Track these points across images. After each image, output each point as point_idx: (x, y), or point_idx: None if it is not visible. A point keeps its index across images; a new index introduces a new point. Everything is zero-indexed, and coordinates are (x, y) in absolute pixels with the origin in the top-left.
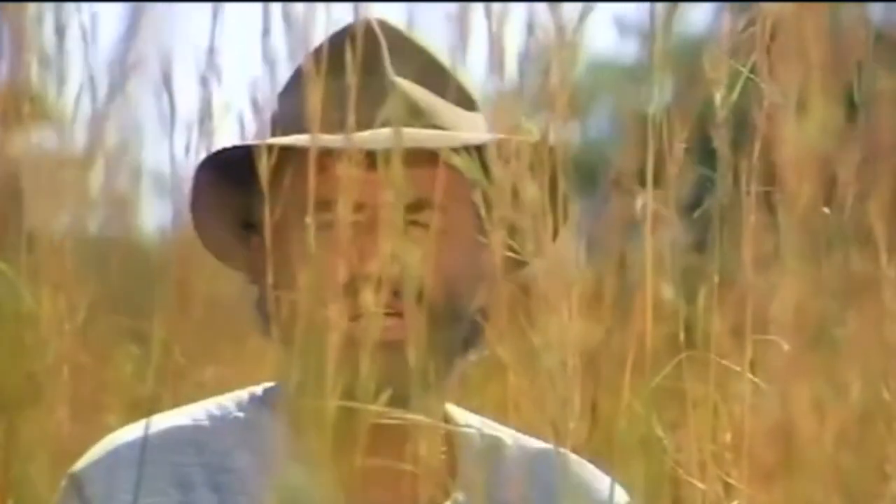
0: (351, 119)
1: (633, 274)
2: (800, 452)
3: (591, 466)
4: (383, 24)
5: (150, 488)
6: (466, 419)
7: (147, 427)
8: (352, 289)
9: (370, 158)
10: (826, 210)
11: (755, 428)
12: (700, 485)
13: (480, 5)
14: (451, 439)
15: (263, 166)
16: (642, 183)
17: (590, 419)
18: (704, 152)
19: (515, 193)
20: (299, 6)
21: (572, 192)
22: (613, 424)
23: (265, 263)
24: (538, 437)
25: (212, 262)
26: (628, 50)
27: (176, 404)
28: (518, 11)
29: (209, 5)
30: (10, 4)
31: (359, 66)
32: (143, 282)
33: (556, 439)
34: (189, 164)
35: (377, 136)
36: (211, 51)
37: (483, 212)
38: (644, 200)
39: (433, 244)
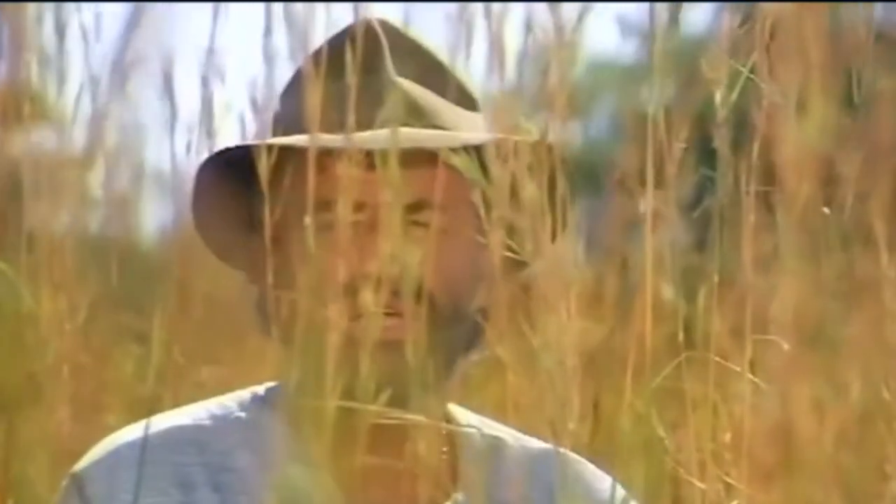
0: (351, 119)
1: (633, 274)
2: (800, 452)
3: (592, 467)
4: (384, 24)
5: (152, 488)
6: (468, 419)
7: (148, 427)
8: (352, 289)
9: (371, 158)
10: (826, 210)
11: (755, 428)
12: (700, 484)
13: (480, 5)
14: (453, 439)
15: (263, 166)
16: (642, 183)
17: (592, 419)
18: (704, 152)
19: (514, 193)
20: (300, 6)
21: (575, 192)
22: (614, 425)
23: (266, 263)
24: (539, 437)
25: (212, 261)
26: (630, 50)
27: (176, 404)
28: (517, 11)
29: (211, 5)
30: (10, 4)
31: (360, 66)
32: (144, 281)
33: (555, 439)
34: (190, 164)
35: (377, 136)
36: (211, 50)
37: (482, 212)
38: (645, 200)
39: (435, 244)
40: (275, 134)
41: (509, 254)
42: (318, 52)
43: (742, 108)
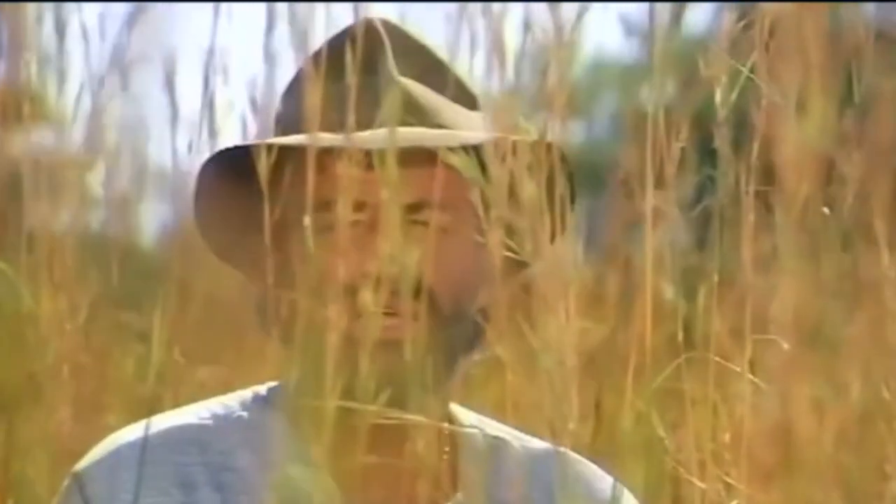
0: (353, 118)
1: (633, 274)
2: (800, 452)
3: (593, 467)
4: (386, 24)
5: (153, 488)
6: (471, 420)
7: (149, 426)
8: (353, 288)
9: (373, 158)
10: (826, 210)
11: (755, 428)
12: (700, 484)
13: (479, 5)
14: (454, 440)
15: (263, 166)
16: (642, 183)
17: (593, 420)
18: (704, 152)
19: (513, 193)
20: (300, 6)
21: (575, 191)
22: (615, 425)
23: (273, 264)
24: (539, 437)
25: (213, 261)
26: (632, 49)
27: (177, 404)
28: (516, 11)
29: (214, 4)
30: (10, 4)
31: (362, 66)
32: (144, 281)
33: (555, 439)
34: (192, 163)
35: (378, 136)
36: (211, 50)
37: (481, 211)
38: (647, 200)
39: (438, 244)
40: (276, 134)
41: (509, 254)
42: (318, 52)
43: (742, 108)
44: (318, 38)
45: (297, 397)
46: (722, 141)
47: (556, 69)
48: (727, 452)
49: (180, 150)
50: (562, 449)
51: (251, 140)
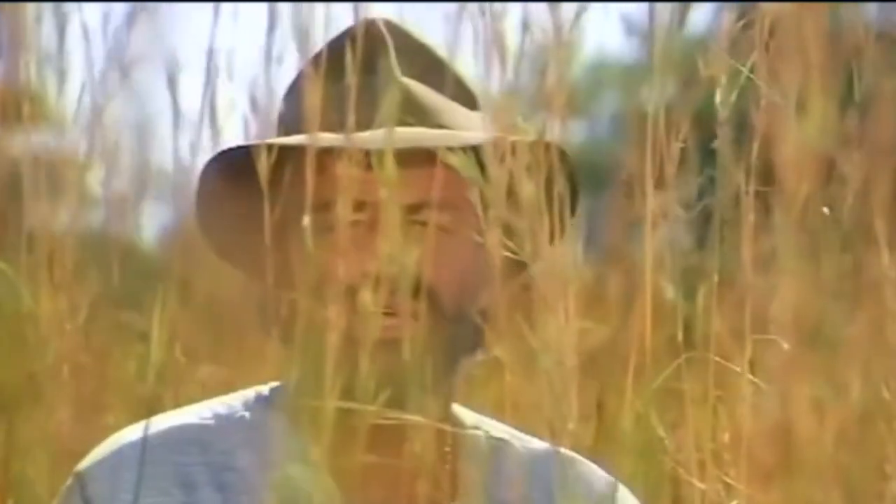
0: (354, 118)
1: (633, 274)
2: (800, 452)
3: (595, 467)
4: (388, 24)
5: (154, 488)
6: (473, 420)
7: (151, 426)
8: (355, 288)
9: (376, 158)
10: (826, 210)
11: (755, 428)
12: (700, 484)
13: (478, 5)
14: (457, 440)
15: (263, 166)
16: (642, 183)
17: (596, 420)
18: (704, 152)
19: (512, 193)
20: (301, 5)
21: (576, 191)
22: (615, 425)
23: (274, 264)
24: (540, 437)
25: (214, 261)
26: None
27: (177, 404)
28: (515, 11)
29: (214, 4)
30: (10, 4)
31: (363, 66)
32: (145, 280)
33: (554, 439)
34: (194, 163)
35: (378, 136)
36: (212, 50)
37: (480, 211)
38: (648, 200)
39: (441, 244)
40: (278, 134)
41: (508, 254)
42: (320, 53)
43: (742, 108)
44: (318, 38)
45: (297, 397)
46: (722, 141)
47: (555, 69)
48: (727, 452)
49: (182, 150)
50: (563, 449)
51: (252, 140)
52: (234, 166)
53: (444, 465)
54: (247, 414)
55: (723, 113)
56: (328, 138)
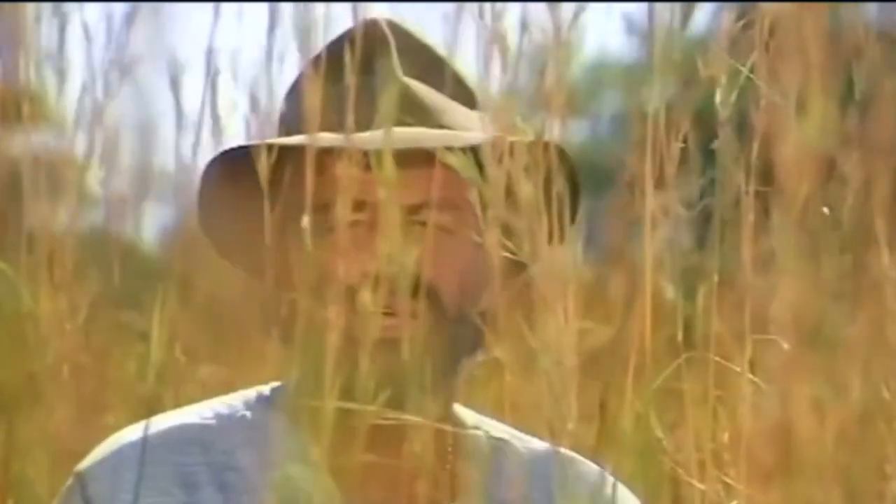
0: (357, 118)
1: (633, 274)
2: (800, 452)
3: (597, 468)
4: (391, 24)
5: (155, 488)
6: (474, 421)
7: (153, 426)
8: (356, 288)
9: (378, 159)
10: (826, 210)
11: (755, 428)
12: (699, 485)
13: (476, 4)
14: (458, 441)
15: (263, 165)
16: (642, 183)
17: (599, 421)
18: (704, 152)
19: (511, 193)
20: (301, 6)
21: (577, 191)
22: (616, 425)
23: (275, 263)
24: (540, 438)
25: (215, 260)
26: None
27: (178, 404)
28: (513, 11)
29: (214, 4)
30: (10, 4)
31: (366, 66)
32: (145, 280)
33: (553, 439)
34: (195, 164)
35: (377, 136)
36: (212, 50)
37: (479, 212)
38: (648, 200)
39: (443, 244)
40: (280, 134)
41: (507, 254)
42: (325, 52)
43: (742, 108)
44: (318, 38)
45: (297, 397)
46: (722, 141)
47: (554, 69)
48: (727, 453)
49: (183, 151)
50: (563, 450)
51: (252, 140)
52: (236, 166)
53: (445, 465)
54: (248, 414)
55: (723, 113)
56: (328, 138)
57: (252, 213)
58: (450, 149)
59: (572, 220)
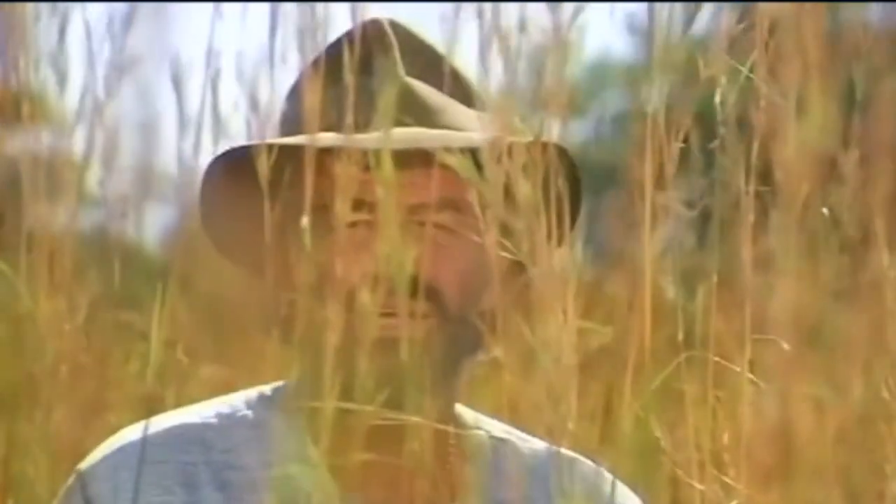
0: (359, 118)
1: (633, 274)
2: (799, 452)
3: (597, 468)
4: (392, 23)
5: (156, 487)
6: (476, 420)
7: (154, 425)
8: (357, 288)
9: (377, 159)
10: (826, 210)
11: (755, 428)
12: (699, 485)
13: (475, 4)
14: (459, 440)
15: (263, 165)
16: (642, 183)
17: (601, 422)
18: (704, 152)
19: (510, 193)
20: (302, 6)
21: (578, 192)
22: (616, 426)
23: (275, 263)
24: (540, 438)
25: (215, 260)
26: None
27: (179, 403)
28: (513, 10)
29: (214, 4)
30: (10, 4)
31: (368, 67)
32: (145, 280)
33: (552, 439)
34: (197, 164)
35: (377, 137)
36: (213, 50)
37: (479, 212)
38: (648, 200)
39: (445, 244)
40: (281, 134)
41: (506, 255)
42: (326, 52)
43: (742, 108)
44: (317, 38)
45: (298, 397)
46: (722, 141)
47: (554, 69)
48: (726, 453)
49: (184, 151)
50: (564, 450)
51: (253, 140)
52: (237, 166)
53: (445, 464)
54: (249, 413)
55: (723, 113)
56: (328, 138)
57: (253, 213)
58: (449, 149)
59: (573, 219)
